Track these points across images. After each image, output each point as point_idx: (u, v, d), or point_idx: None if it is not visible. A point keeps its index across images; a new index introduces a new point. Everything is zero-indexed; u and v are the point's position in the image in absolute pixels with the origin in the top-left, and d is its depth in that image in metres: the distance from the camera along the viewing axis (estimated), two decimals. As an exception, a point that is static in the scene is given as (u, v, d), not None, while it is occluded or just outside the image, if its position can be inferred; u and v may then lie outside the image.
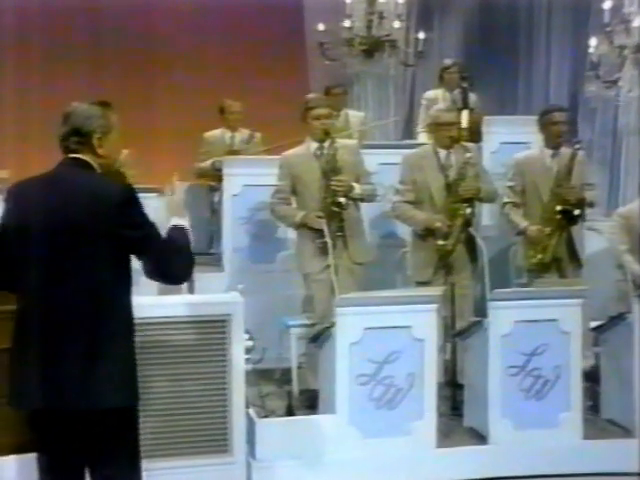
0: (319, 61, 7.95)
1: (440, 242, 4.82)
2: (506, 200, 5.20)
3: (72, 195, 2.76)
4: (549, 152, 5.13)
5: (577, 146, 5.10)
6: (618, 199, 7.32)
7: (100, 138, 2.87)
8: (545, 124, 5.11)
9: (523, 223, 5.11)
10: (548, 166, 5.11)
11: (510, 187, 5.21)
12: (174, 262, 2.85)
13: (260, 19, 8.34)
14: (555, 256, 5.01)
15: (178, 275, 2.89)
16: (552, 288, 4.52)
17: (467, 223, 4.82)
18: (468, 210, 4.79)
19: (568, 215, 4.95)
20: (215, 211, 6.33)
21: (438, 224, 4.81)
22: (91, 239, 2.72)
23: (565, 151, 5.09)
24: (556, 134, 5.07)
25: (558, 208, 4.94)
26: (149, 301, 3.61)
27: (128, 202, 2.79)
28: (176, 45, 8.43)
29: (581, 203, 4.99)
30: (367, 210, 5.38)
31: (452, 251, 4.82)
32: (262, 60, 8.30)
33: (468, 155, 4.84)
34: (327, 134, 4.71)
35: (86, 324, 2.72)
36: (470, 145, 5.15)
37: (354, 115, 7.10)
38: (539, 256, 5.02)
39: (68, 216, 2.73)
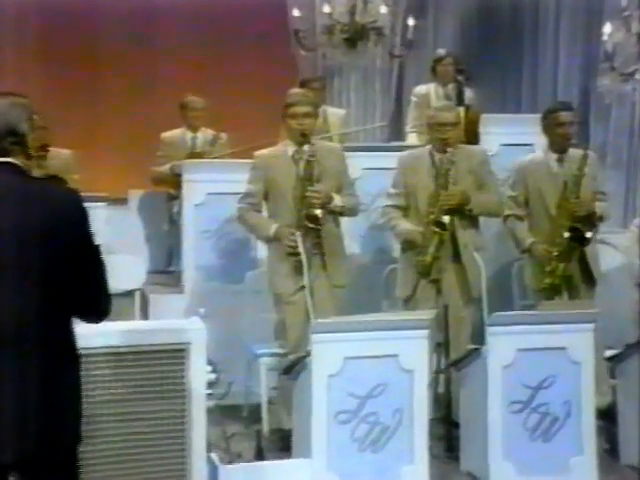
0: (298, 52, 7.98)
1: (419, 257, 4.86)
2: (508, 212, 5.21)
3: (24, 209, 2.73)
4: (554, 156, 5.14)
5: (586, 147, 5.12)
6: (636, 208, 7.35)
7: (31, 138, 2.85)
8: (549, 125, 5.12)
9: (528, 240, 5.12)
10: (554, 172, 5.13)
11: (512, 197, 5.21)
12: (108, 294, 2.83)
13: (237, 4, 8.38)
14: (565, 274, 5.03)
15: (107, 311, 2.87)
16: (560, 311, 4.52)
17: (453, 235, 4.84)
18: (445, 219, 4.79)
19: (578, 234, 4.96)
20: (174, 223, 6.31)
21: (414, 236, 4.84)
22: (46, 257, 2.71)
23: (573, 154, 5.10)
24: (562, 137, 5.08)
25: (566, 230, 4.95)
26: (92, 329, 3.55)
27: (83, 214, 2.77)
28: (142, 37, 8.46)
29: (591, 218, 5.01)
30: (351, 223, 5.39)
31: (430, 266, 4.83)
32: (239, 53, 8.37)
33: (452, 159, 4.86)
34: (304, 136, 4.71)
35: (32, 351, 2.70)
36: (475, 148, 5.15)
37: (334, 113, 7.12)
38: (547, 280, 5.03)
39: (20, 232, 2.70)
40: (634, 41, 6.92)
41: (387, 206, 5.05)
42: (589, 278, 5.10)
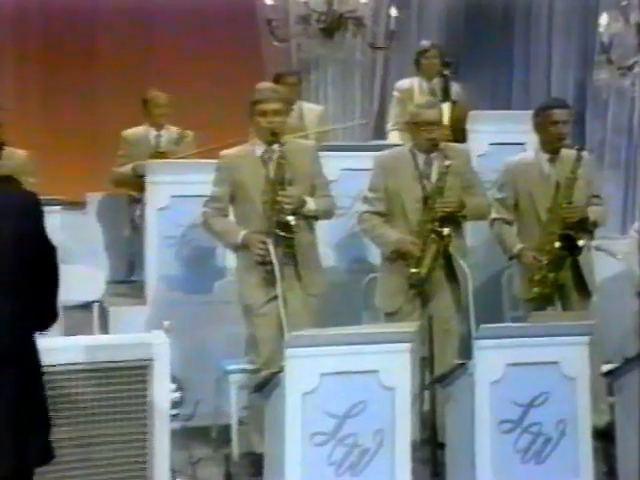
0: (270, 43, 7.98)
1: (412, 269, 4.85)
2: (495, 216, 5.22)
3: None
4: (546, 157, 5.16)
5: (581, 148, 5.14)
6: (635, 211, 7.39)
7: None
8: (542, 123, 5.14)
9: (517, 246, 5.14)
10: (546, 174, 5.15)
11: (500, 200, 5.23)
12: (57, 300, 2.86)
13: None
14: (556, 283, 5.06)
15: (55, 316, 2.89)
16: (553, 323, 4.53)
17: (445, 246, 4.85)
18: (445, 231, 4.80)
19: (570, 243, 4.99)
20: (137, 228, 6.31)
21: (409, 247, 4.83)
22: (16, 265, 2.73)
23: (567, 155, 5.12)
24: (555, 136, 5.10)
25: (556, 238, 4.98)
26: (46, 343, 3.53)
27: (42, 217, 2.79)
28: (95, 27, 8.45)
29: (584, 224, 5.03)
30: (328, 228, 5.39)
31: (425, 279, 4.84)
32: (204, 44, 8.37)
33: (447, 163, 4.86)
34: (275, 135, 4.70)
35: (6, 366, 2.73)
36: (459, 147, 5.17)
37: (311, 109, 7.13)
38: (536, 289, 5.06)
39: None
40: (633, 32, 6.97)
41: (366, 212, 5.02)
42: (583, 288, 5.12)
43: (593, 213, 5.09)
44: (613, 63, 6.96)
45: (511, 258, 5.21)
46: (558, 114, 5.10)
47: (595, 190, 5.25)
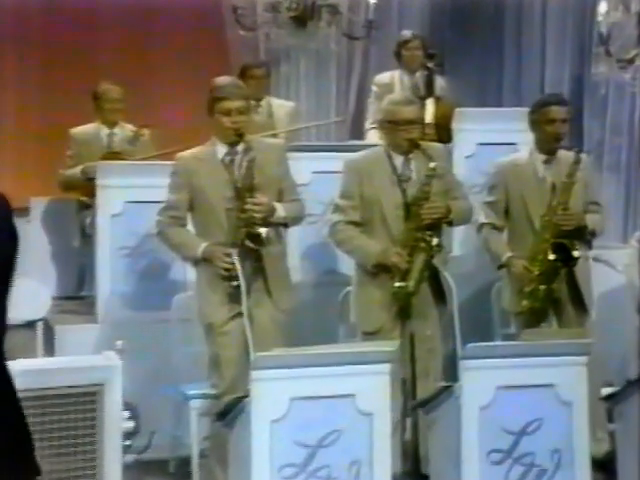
0: (235, 33, 7.99)
1: (397, 283, 4.83)
2: (483, 221, 5.24)
3: None
4: (541, 158, 5.19)
5: (579, 150, 5.16)
6: (637, 219, 7.42)
7: None
8: (538, 121, 5.16)
9: (506, 254, 5.16)
10: (540, 176, 5.17)
11: (489, 203, 5.25)
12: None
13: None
14: (549, 296, 5.07)
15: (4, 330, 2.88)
16: (547, 341, 4.55)
17: (432, 257, 4.84)
18: (434, 240, 4.80)
19: (564, 253, 5.00)
20: (87, 238, 6.28)
21: (394, 259, 4.82)
22: None
23: (564, 157, 5.15)
24: (552, 135, 5.13)
25: (550, 248, 5.00)
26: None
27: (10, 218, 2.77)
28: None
29: (581, 233, 5.05)
30: (298, 237, 5.38)
31: (413, 294, 4.83)
32: (164, 33, 8.35)
33: (432, 165, 4.85)
34: (240, 135, 4.70)
35: None
36: (437, 147, 5.17)
37: (280, 105, 7.15)
38: (525, 302, 5.08)
39: None
40: (634, 22, 7.02)
41: (339, 222, 4.98)
42: (580, 303, 5.14)
43: (591, 221, 5.11)
44: (612, 56, 7.01)
45: (500, 267, 5.22)
46: (556, 111, 5.13)
47: (593, 196, 5.28)
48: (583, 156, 5.20)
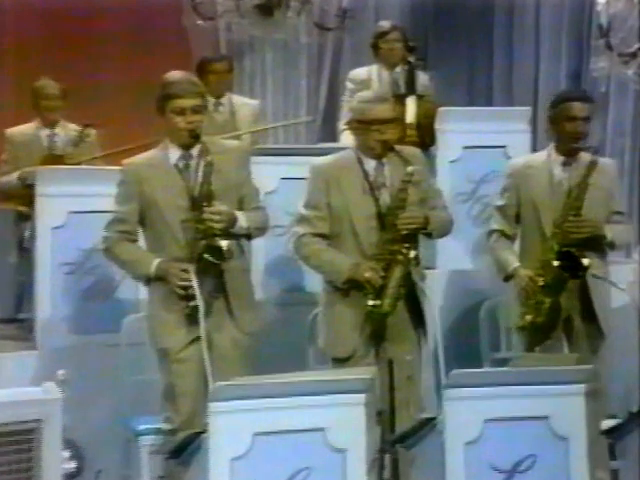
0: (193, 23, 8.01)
1: (371, 302, 4.82)
2: (493, 227, 5.28)
3: None
4: (560, 160, 5.20)
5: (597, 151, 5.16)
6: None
7: None
8: (558, 118, 5.19)
9: (513, 264, 5.17)
10: (556, 180, 5.18)
11: (499, 208, 5.28)
12: None
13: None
14: (557, 311, 5.08)
15: None
16: (541, 368, 4.54)
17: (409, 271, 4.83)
18: (411, 253, 4.78)
19: (572, 263, 5.00)
20: (25, 253, 6.26)
21: (368, 274, 4.80)
22: None
23: (584, 159, 5.16)
24: (572, 134, 5.14)
25: (554, 256, 5.01)
26: None
27: None
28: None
29: (597, 243, 5.06)
30: (263, 251, 5.37)
31: (389, 314, 4.82)
32: (111, 24, 8.33)
33: (409, 169, 4.83)
34: (195, 137, 4.69)
35: None
36: (413, 150, 5.15)
37: (244, 104, 7.15)
38: (527, 317, 5.09)
39: None
40: (637, 12, 7.06)
41: (305, 235, 4.95)
42: (594, 324, 5.14)
43: (611, 231, 5.12)
44: (613, 49, 7.06)
45: (506, 279, 5.23)
46: (578, 108, 5.16)
47: (618, 205, 5.30)
48: (608, 161, 5.27)
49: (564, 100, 5.23)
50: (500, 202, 5.29)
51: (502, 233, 5.25)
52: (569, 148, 5.17)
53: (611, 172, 5.29)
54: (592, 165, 5.06)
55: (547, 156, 5.26)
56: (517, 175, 5.27)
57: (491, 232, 5.29)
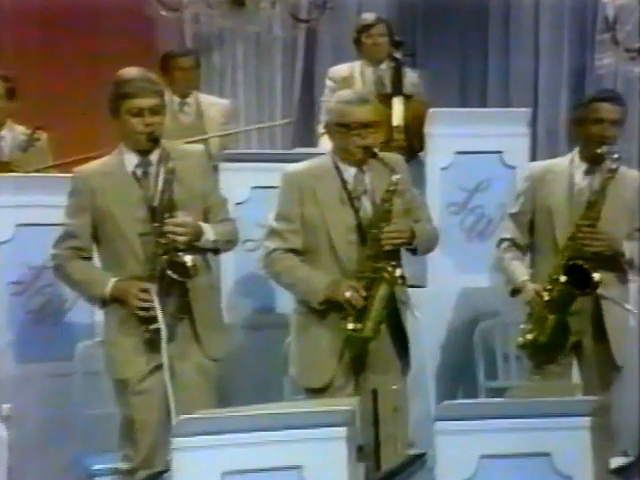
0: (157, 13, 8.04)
1: (351, 325, 4.80)
2: (504, 235, 5.30)
3: None
4: (583, 166, 5.20)
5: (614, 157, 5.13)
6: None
7: None
8: (583, 119, 5.19)
9: (521, 277, 5.19)
10: (577, 189, 5.18)
11: (512, 216, 5.30)
12: None
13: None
14: (563, 331, 5.10)
15: None
16: (541, 399, 4.52)
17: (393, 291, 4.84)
18: (397, 271, 4.78)
19: (581, 277, 5.01)
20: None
21: (348, 294, 4.79)
22: None
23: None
24: (596, 138, 5.12)
25: (561, 270, 5.03)
26: None
27: None
28: None
29: (614, 261, 5.08)
30: (233, 268, 5.35)
31: (371, 338, 4.81)
32: (67, 17, 8.33)
33: (395, 178, 4.83)
34: (155, 141, 4.69)
35: None
36: (396, 157, 5.14)
37: (212, 103, 7.20)
38: (529, 335, 5.12)
39: None
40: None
41: (276, 250, 4.93)
42: (607, 354, 5.13)
43: (631, 249, 5.12)
44: (619, 44, 7.08)
45: (513, 293, 5.24)
46: (607, 110, 5.15)
47: (638, 221, 5.27)
48: (633, 172, 5.24)
49: (592, 100, 5.24)
50: (514, 209, 5.30)
51: (513, 242, 5.27)
52: (593, 154, 5.14)
53: (635, 184, 5.25)
54: (611, 173, 5.05)
55: (570, 161, 5.26)
56: (535, 179, 5.27)
57: (501, 241, 5.30)
